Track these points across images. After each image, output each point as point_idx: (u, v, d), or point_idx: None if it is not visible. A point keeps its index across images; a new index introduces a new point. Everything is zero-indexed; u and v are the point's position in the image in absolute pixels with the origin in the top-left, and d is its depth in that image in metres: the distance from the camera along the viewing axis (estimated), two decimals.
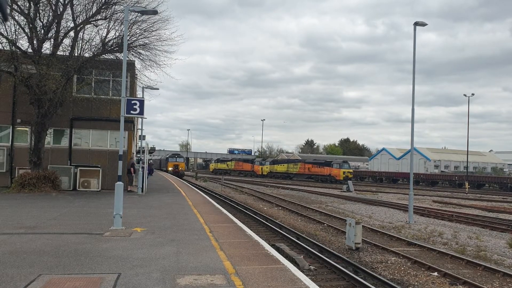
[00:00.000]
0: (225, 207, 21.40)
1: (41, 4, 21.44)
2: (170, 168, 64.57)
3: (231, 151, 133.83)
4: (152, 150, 55.98)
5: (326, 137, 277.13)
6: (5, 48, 20.86)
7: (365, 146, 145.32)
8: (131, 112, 12.71)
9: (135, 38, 22.40)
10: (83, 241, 9.61)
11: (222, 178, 47.73)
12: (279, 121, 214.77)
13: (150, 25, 22.20)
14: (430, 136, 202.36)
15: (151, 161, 44.15)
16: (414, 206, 22.52)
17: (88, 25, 22.08)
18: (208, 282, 6.66)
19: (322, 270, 11.44)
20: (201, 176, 67.13)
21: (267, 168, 76.72)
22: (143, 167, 24.91)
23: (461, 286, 10.27)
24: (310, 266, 11.51)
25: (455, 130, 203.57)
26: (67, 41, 22.36)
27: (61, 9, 21.63)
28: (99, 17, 21.95)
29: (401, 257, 13.02)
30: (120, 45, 21.24)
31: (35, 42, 21.24)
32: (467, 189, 47.88)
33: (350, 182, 44.69)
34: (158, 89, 26.20)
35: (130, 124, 25.11)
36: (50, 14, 21.62)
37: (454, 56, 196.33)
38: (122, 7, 21.18)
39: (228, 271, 7.34)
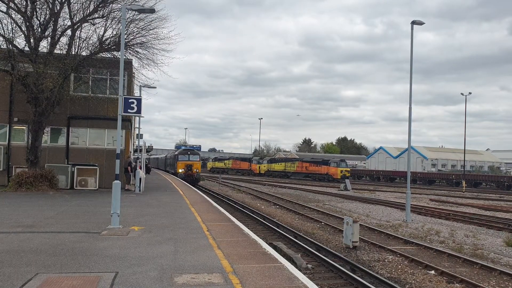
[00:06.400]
0: (222, 206, 21.41)
1: (38, 3, 21.36)
2: (180, 170, 44.55)
3: (178, 147, 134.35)
4: (149, 149, 54.39)
5: (323, 136, 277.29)
6: (2, 47, 20.79)
7: (362, 145, 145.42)
8: (129, 110, 12.67)
9: (132, 37, 22.35)
10: (81, 240, 9.60)
11: (219, 177, 47.68)
12: (277, 120, 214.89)
13: (148, 24, 22.16)
14: (427, 134, 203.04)
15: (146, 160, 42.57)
16: (411, 204, 22.58)
17: (85, 24, 21.99)
18: (206, 281, 6.67)
19: (320, 269, 11.47)
20: None
21: (264, 166, 76.79)
22: (141, 166, 24.87)
23: (458, 285, 10.31)
24: (308, 265, 11.54)
25: (452, 129, 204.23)
26: (64, 40, 22.30)
27: (58, 8, 21.55)
28: (96, 16, 21.88)
29: (398, 255, 13.06)
30: (118, 44, 21.18)
31: (32, 40, 21.16)
32: (464, 188, 47.99)
33: (347, 180, 44.77)
34: (155, 87, 26.17)
35: (127, 122, 25.07)
36: (47, 12, 21.53)
37: (452, 55, 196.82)
38: (120, 5, 21.15)
39: (226, 270, 7.35)
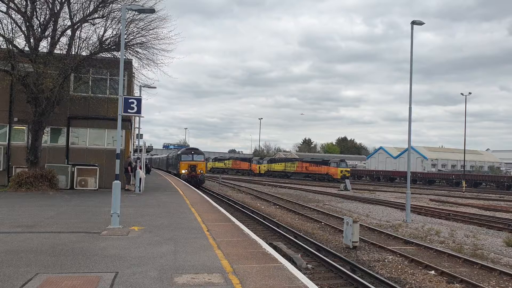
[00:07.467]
0: (222, 206, 21.40)
1: (38, 3, 21.37)
2: (183, 171, 40.14)
3: (166, 146, 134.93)
4: (149, 149, 54.14)
5: (324, 136, 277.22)
6: (2, 47, 20.79)
7: (362, 145, 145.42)
8: (129, 110, 12.67)
9: (132, 37, 22.36)
10: (81, 240, 9.60)
11: (219, 177, 47.66)
12: (277, 120, 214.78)
13: (148, 24, 22.17)
14: (427, 135, 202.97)
15: (147, 160, 42.03)
16: (411, 204, 22.57)
17: (85, 24, 22.01)
18: (206, 281, 6.67)
19: (320, 269, 11.46)
20: None
21: (264, 167, 76.77)
22: (141, 166, 24.87)
23: (458, 285, 10.31)
24: (308, 265, 11.54)
25: (452, 129, 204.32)
26: (64, 40, 22.31)
27: (58, 8, 21.55)
28: (96, 16, 21.89)
29: (398, 255, 13.06)
30: (118, 44, 21.19)
31: (32, 40, 21.16)
32: (464, 188, 47.98)
33: (347, 180, 44.77)
34: (155, 87, 26.17)
35: (127, 122, 25.07)
36: (47, 12, 21.54)
37: (452, 55, 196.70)
38: (120, 5, 21.17)
39: (226, 270, 7.35)
